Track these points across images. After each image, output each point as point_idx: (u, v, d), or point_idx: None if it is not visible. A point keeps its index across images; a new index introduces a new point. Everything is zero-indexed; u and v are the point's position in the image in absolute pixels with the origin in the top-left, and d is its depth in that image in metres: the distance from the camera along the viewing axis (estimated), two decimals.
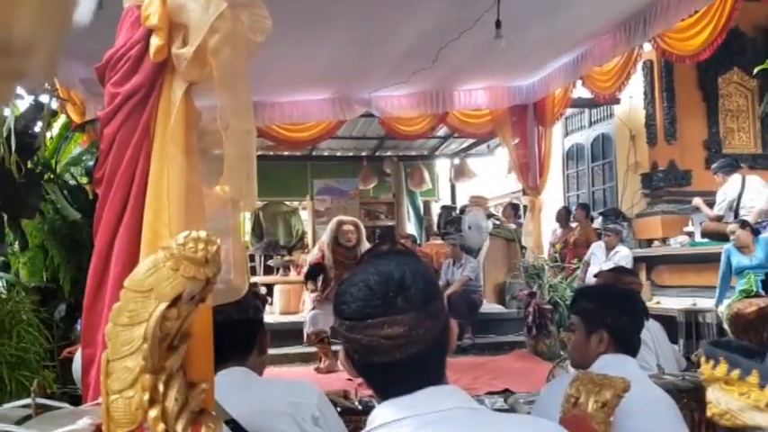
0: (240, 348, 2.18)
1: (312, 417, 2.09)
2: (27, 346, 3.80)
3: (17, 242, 4.55)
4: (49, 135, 5.28)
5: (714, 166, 8.58)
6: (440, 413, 1.23)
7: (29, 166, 3.91)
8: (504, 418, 1.44)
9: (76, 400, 1.96)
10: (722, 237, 7.57)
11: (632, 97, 9.87)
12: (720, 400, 0.57)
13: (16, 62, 0.99)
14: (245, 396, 2.04)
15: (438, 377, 1.30)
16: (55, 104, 4.70)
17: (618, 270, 4.39)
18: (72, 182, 5.63)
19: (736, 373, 0.60)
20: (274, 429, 2.02)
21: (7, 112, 2.74)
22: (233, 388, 2.02)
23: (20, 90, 3.63)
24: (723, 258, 6.89)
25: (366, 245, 7.47)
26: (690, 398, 3.06)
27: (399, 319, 1.22)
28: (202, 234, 1.20)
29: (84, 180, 5.68)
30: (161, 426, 1.20)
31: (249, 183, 1.69)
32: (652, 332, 3.93)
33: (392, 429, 1.23)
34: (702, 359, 0.63)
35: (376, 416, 1.28)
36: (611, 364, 2.33)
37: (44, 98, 3.68)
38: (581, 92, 8.54)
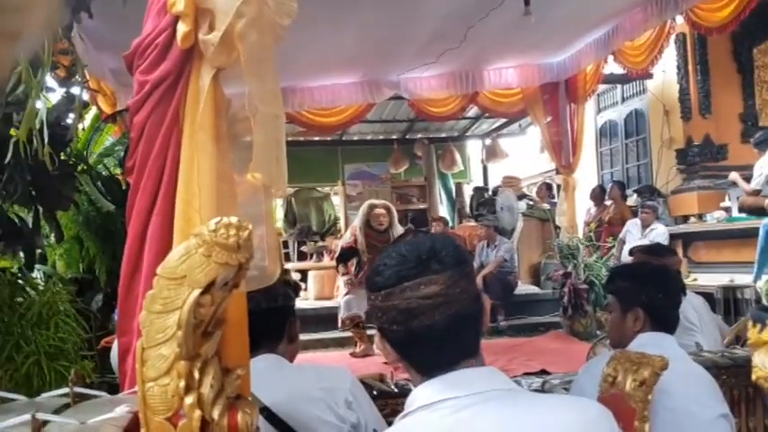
0: (270, 336, 2.19)
1: (345, 401, 2.09)
2: (65, 337, 3.85)
3: (53, 234, 4.60)
4: (80, 127, 5.33)
5: (753, 139, 8.42)
6: (479, 395, 1.22)
7: (62, 157, 3.95)
8: (544, 399, 1.44)
9: (115, 389, 1.98)
10: (760, 211, 7.43)
11: (665, 71, 9.71)
12: (766, 363, 0.55)
13: (12, 20, 0.97)
14: (277, 383, 2.04)
15: (475, 350, 1.30)
16: (86, 96, 4.72)
17: (649, 250, 4.32)
18: (105, 173, 5.69)
19: None
20: (308, 415, 2.02)
21: (40, 104, 2.76)
22: (264, 375, 2.02)
23: (51, 82, 3.67)
24: (762, 233, 6.77)
25: (398, 228, 7.45)
26: (729, 375, 3.03)
27: (435, 279, 1.23)
28: (234, 220, 1.19)
29: (117, 171, 5.74)
30: (197, 412, 1.20)
31: (279, 168, 1.68)
32: (696, 308, 3.87)
33: (431, 411, 1.22)
34: (750, 323, 0.61)
35: (414, 398, 1.27)
36: (649, 343, 2.31)
37: (75, 90, 3.69)
38: (613, 67, 8.41)
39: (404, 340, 1.28)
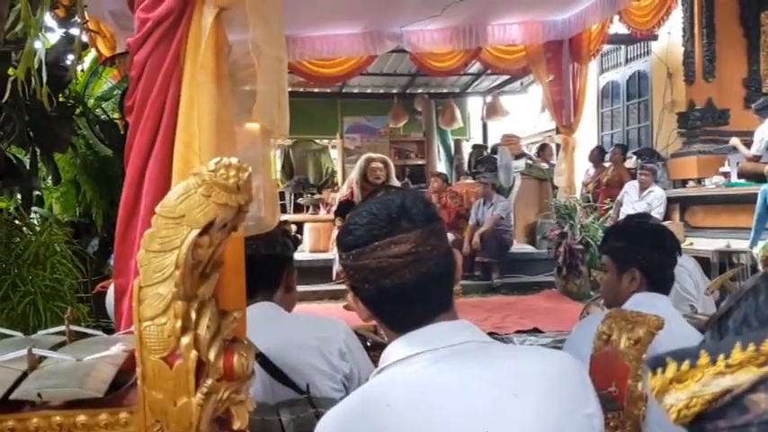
0: (267, 283, 2.19)
1: (339, 351, 2.11)
2: (61, 278, 3.85)
3: (50, 177, 4.57)
4: (79, 68, 5.27)
5: (754, 105, 8.38)
6: (453, 347, 1.23)
7: (60, 99, 3.91)
8: (518, 350, 1.50)
9: (110, 333, 1.98)
10: (759, 177, 7.43)
11: (670, 33, 9.60)
12: (680, 397, 0.54)
13: None
14: (273, 330, 2.05)
15: (448, 305, 1.30)
16: (85, 37, 4.66)
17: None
18: (103, 117, 5.64)
19: (686, 363, 0.58)
20: (301, 362, 2.04)
21: (38, 44, 2.72)
22: (260, 322, 2.03)
23: (50, 22, 3.62)
24: (759, 200, 6.77)
25: (395, 182, 7.44)
26: None
27: (405, 237, 1.22)
28: (234, 161, 1.18)
29: (116, 115, 5.68)
30: (193, 353, 1.20)
31: (281, 111, 1.66)
32: (692, 275, 3.88)
33: (407, 365, 1.23)
34: (649, 374, 0.60)
35: (389, 354, 1.28)
36: (643, 303, 2.30)
37: (75, 30, 3.64)
38: (617, 27, 8.32)
39: (376, 298, 1.28)
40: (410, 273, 1.22)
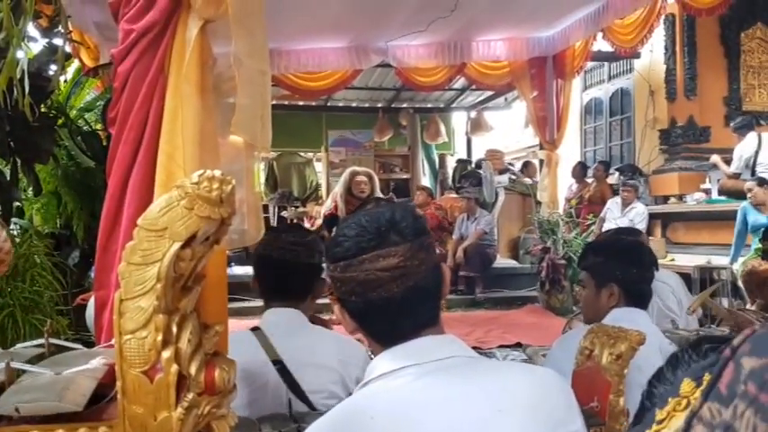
0: (300, 290, 2.20)
1: (357, 379, 2.09)
2: (41, 290, 3.82)
3: (31, 188, 4.53)
4: (62, 79, 5.24)
5: (733, 124, 8.49)
6: (438, 362, 1.23)
7: (42, 109, 3.88)
8: (503, 366, 1.50)
9: (90, 346, 1.96)
10: (739, 194, 7.50)
11: (653, 51, 9.72)
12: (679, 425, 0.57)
13: None
14: (296, 342, 2.06)
15: (435, 320, 1.30)
16: (68, 48, 4.63)
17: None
18: (85, 128, 5.60)
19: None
20: (320, 383, 2.04)
21: (20, 54, 2.70)
22: (285, 329, 2.06)
23: (33, 32, 3.60)
24: (739, 216, 6.83)
25: (380, 196, 7.45)
26: None
27: (393, 251, 1.22)
28: (217, 173, 1.17)
29: (98, 126, 5.64)
30: (174, 367, 1.19)
31: (264, 125, 1.66)
32: (675, 292, 3.91)
33: (392, 379, 1.22)
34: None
35: (374, 367, 1.27)
36: (622, 318, 2.32)
37: (58, 41, 3.62)
38: (601, 45, 8.39)
39: (362, 311, 1.27)
40: (397, 286, 1.22)
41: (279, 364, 1.95)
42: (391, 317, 1.25)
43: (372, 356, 1.35)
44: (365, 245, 1.23)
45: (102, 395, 1.30)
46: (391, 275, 1.21)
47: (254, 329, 2.11)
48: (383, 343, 1.28)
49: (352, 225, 1.27)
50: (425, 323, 1.28)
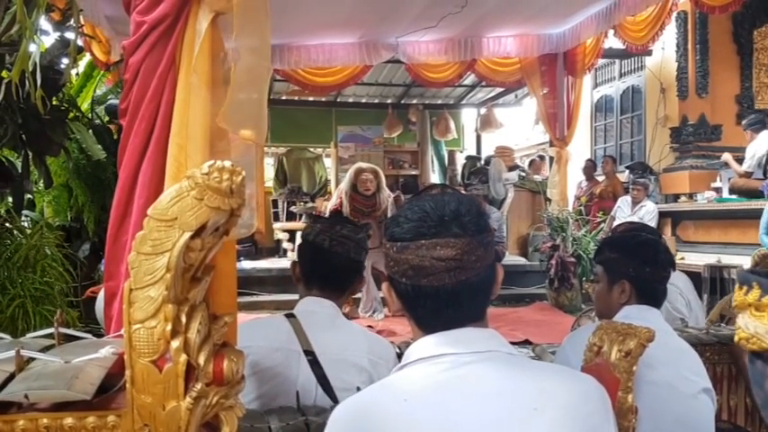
0: (343, 285, 2.21)
1: None
2: (51, 282, 3.83)
3: (42, 180, 4.55)
4: (74, 73, 5.26)
5: (744, 122, 8.44)
6: (478, 354, 1.22)
7: (54, 102, 3.89)
8: (541, 366, 1.45)
9: (99, 338, 1.97)
10: (750, 193, 7.45)
11: (664, 49, 9.66)
12: (749, 325, 0.56)
13: None
14: (329, 335, 2.06)
15: (480, 316, 1.29)
16: (80, 42, 4.65)
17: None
18: (97, 121, 5.62)
19: (767, 298, 0.59)
20: (349, 381, 2.03)
21: (33, 47, 2.71)
22: (320, 320, 2.07)
23: (45, 25, 3.61)
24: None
25: (386, 192, 7.42)
26: (713, 352, 3.03)
27: (453, 242, 1.21)
28: (227, 164, 1.17)
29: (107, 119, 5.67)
30: (183, 356, 1.19)
31: (261, 119, 1.66)
32: (684, 293, 3.88)
33: (430, 365, 1.22)
34: (736, 285, 0.62)
35: (412, 351, 1.27)
36: (633, 315, 2.30)
37: (70, 34, 3.63)
38: (612, 42, 8.34)
39: (410, 294, 1.27)
40: (450, 278, 1.22)
41: (311, 355, 1.95)
42: (438, 306, 1.25)
43: (404, 347, 1.34)
44: (425, 231, 1.23)
45: (111, 384, 1.30)
46: (446, 266, 1.21)
47: (289, 316, 2.11)
48: (425, 328, 1.28)
49: (416, 209, 1.26)
50: (471, 317, 1.27)
